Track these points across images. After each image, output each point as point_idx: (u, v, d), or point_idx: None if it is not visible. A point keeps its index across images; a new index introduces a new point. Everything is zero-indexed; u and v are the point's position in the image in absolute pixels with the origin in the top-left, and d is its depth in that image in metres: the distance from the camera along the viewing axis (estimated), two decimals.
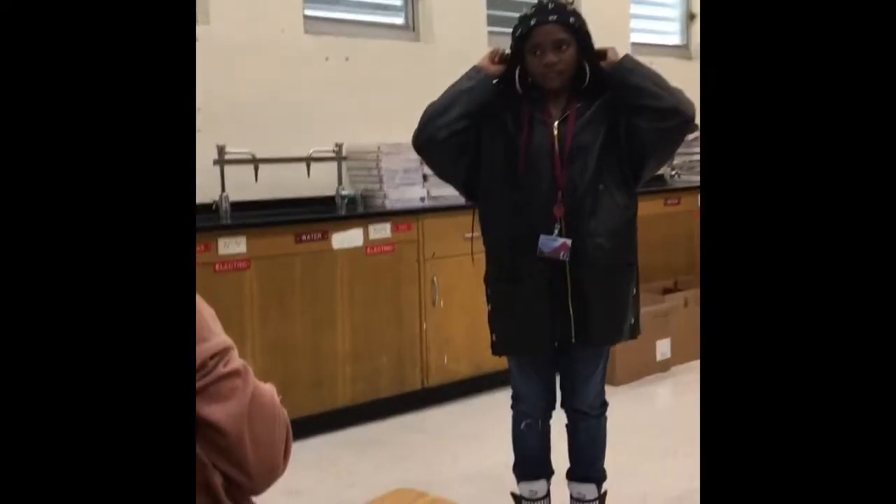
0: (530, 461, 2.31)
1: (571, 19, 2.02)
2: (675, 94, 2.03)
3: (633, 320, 2.20)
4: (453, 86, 2.10)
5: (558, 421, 2.31)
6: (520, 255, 2.08)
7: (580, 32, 2.04)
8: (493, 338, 2.20)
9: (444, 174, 2.24)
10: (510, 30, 2.13)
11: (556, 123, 2.06)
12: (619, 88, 2.05)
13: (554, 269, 2.06)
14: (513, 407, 2.29)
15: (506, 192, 2.09)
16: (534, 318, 2.10)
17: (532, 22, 2.01)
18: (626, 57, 2.07)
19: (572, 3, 2.13)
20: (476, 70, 2.09)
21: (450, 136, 2.06)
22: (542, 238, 2.04)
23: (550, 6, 2.03)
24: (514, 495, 2.36)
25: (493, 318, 2.20)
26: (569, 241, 2.03)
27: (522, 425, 2.26)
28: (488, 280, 2.20)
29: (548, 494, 2.32)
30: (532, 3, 2.12)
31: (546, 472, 2.32)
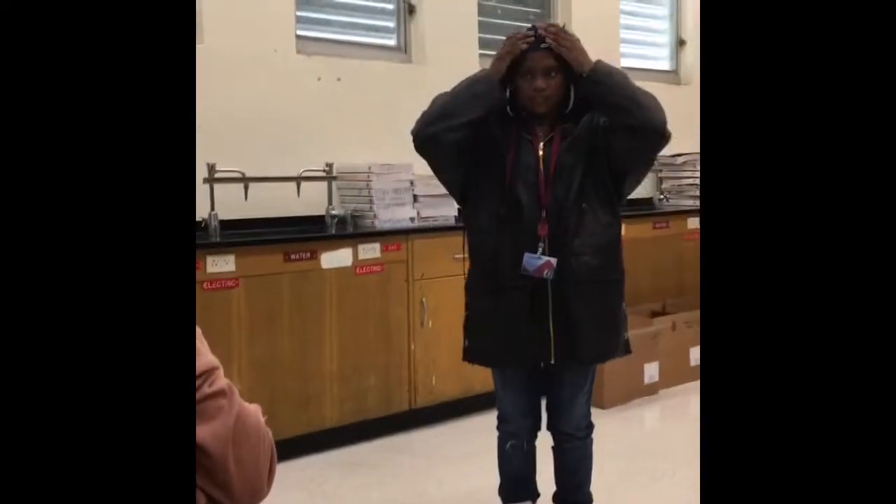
0: (515, 482, 2.30)
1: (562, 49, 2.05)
2: (645, 105, 2.01)
3: (625, 336, 2.21)
4: (465, 86, 2.09)
5: (546, 444, 2.30)
6: (503, 269, 2.09)
7: (570, 67, 2.07)
8: (466, 343, 2.22)
9: (444, 174, 2.20)
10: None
11: (541, 144, 2.10)
12: (589, 98, 2.06)
13: (536, 287, 2.07)
14: (498, 428, 2.29)
15: (493, 207, 2.10)
16: (510, 334, 2.11)
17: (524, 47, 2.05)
18: (598, 64, 2.05)
19: (563, 27, 2.15)
20: (487, 75, 2.10)
21: (454, 142, 2.06)
22: (527, 256, 2.06)
23: (543, 34, 2.06)
24: None
25: (468, 326, 2.22)
26: (553, 260, 2.05)
27: (508, 446, 2.26)
28: (469, 288, 2.21)
29: None
30: (524, 27, 2.15)
31: (531, 495, 2.31)
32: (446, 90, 2.12)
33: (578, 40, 2.07)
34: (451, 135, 2.05)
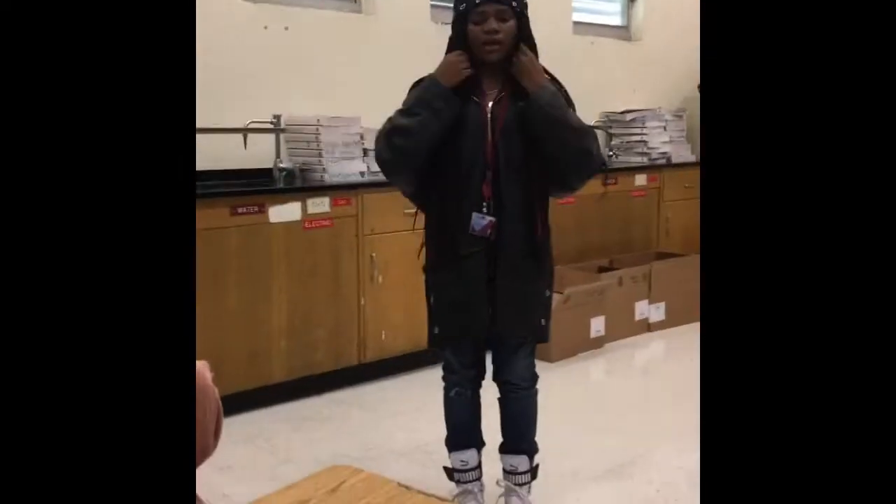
0: (460, 430, 2.33)
1: (514, 3, 2.04)
2: (581, 145, 2.09)
3: (542, 321, 2.21)
4: (422, 104, 2.05)
5: (492, 395, 2.33)
6: (457, 233, 2.10)
7: (521, 17, 2.06)
8: (436, 330, 2.21)
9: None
10: (451, 4, 2.12)
11: (490, 104, 2.09)
12: (531, 118, 2.05)
13: (488, 252, 2.10)
14: (444, 378, 2.31)
15: (443, 169, 2.10)
16: (474, 302, 2.13)
17: (476, 0, 2.02)
18: (545, 88, 2.05)
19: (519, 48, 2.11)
20: (444, 90, 2.05)
21: (414, 191, 2.18)
22: (474, 216, 2.08)
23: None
24: (446, 469, 2.38)
25: (434, 311, 2.22)
26: (494, 220, 2.07)
27: (452, 392, 2.29)
28: (428, 268, 2.21)
29: (479, 466, 2.34)
30: None
31: (476, 443, 2.35)
32: (400, 108, 2.10)
33: (534, 59, 2.06)
34: (410, 187, 2.18)
